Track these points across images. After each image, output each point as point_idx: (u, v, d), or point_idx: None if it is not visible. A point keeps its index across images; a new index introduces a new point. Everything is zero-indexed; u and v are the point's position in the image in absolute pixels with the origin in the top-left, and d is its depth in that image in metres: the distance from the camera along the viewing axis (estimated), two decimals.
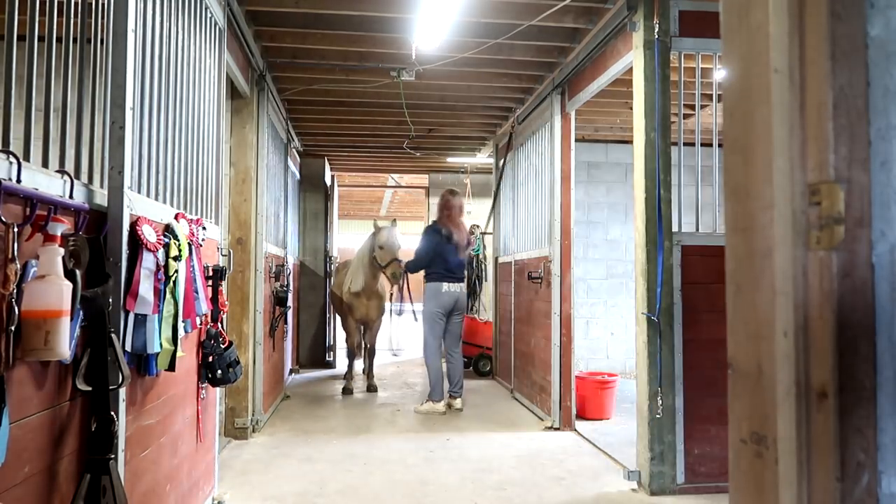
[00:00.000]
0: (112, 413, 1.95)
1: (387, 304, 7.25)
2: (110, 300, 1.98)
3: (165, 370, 2.42)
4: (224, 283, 3.23)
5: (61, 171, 1.87)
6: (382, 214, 18.33)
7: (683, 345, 3.70)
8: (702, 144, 4.03)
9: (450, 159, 8.95)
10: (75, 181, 1.89)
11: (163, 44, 2.60)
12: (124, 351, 2.09)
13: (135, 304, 2.15)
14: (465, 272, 6.33)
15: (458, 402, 5.97)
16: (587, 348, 7.88)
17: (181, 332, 2.48)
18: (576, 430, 5.18)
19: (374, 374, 7.03)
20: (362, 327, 6.94)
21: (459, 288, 6.07)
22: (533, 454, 4.50)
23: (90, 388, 1.90)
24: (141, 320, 2.20)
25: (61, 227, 1.69)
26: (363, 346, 7.08)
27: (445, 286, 5.96)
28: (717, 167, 3.36)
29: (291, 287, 6.56)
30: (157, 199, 2.52)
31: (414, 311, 6.73)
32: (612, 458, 4.36)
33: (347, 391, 6.66)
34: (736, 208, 1.00)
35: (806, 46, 0.87)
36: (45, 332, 1.56)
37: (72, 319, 1.70)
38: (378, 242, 6.60)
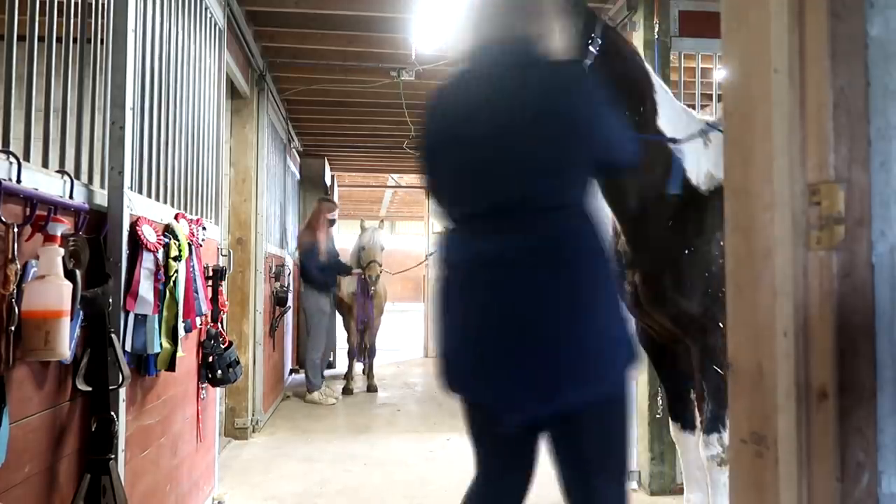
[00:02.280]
0: (112, 413, 1.95)
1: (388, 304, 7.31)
2: (110, 300, 1.98)
3: (165, 370, 2.41)
4: (224, 284, 3.22)
5: (61, 171, 1.87)
6: (382, 214, 18.33)
7: None
8: None
9: None
10: (75, 181, 1.89)
11: (163, 44, 2.60)
12: (124, 351, 2.09)
13: (135, 304, 2.15)
14: (331, 276, 6.51)
15: (308, 396, 6.27)
16: None
17: (181, 333, 2.48)
18: None
19: (374, 374, 7.03)
20: (362, 327, 6.96)
21: (304, 289, 6.46)
22: None
23: (90, 388, 1.90)
24: (141, 320, 2.20)
25: (61, 227, 1.68)
26: (363, 345, 7.09)
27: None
28: None
29: (291, 287, 6.56)
30: (157, 199, 2.52)
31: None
32: None
33: (347, 391, 6.68)
34: (736, 208, 1.00)
35: (806, 46, 0.87)
36: (45, 332, 1.56)
37: (72, 319, 1.70)
38: (361, 243, 6.90)
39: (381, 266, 6.78)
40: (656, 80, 2.37)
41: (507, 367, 1.55)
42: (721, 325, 2.22)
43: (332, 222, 6.62)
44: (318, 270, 6.37)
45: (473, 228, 1.65)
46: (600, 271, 1.58)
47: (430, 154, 1.73)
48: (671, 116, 2.33)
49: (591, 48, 2.14)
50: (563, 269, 1.55)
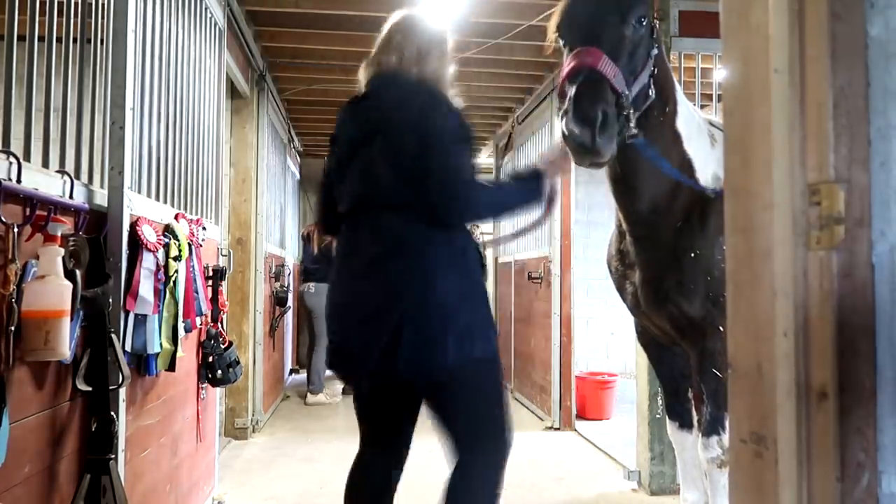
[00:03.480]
0: (112, 413, 1.95)
1: None
2: (110, 300, 1.98)
3: (165, 370, 2.41)
4: (224, 283, 3.22)
5: (61, 171, 1.87)
6: None
7: None
8: None
9: None
10: (75, 181, 1.89)
11: (163, 44, 2.60)
12: (124, 351, 2.09)
13: (135, 304, 2.15)
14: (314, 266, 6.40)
15: (312, 398, 6.23)
16: (587, 348, 7.87)
17: (181, 333, 2.48)
18: (576, 430, 5.18)
19: None
20: None
21: (306, 287, 6.39)
22: (533, 454, 4.50)
23: (90, 388, 1.90)
24: (141, 320, 2.20)
25: (61, 227, 1.68)
26: None
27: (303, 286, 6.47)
28: None
29: (291, 287, 6.56)
30: (157, 199, 2.52)
31: None
32: (612, 458, 4.36)
33: (347, 392, 6.67)
34: (736, 208, 1.00)
35: (806, 46, 0.87)
36: (45, 332, 1.56)
37: (72, 319, 1.70)
38: None
39: None
40: (674, 78, 2.32)
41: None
42: (721, 329, 2.19)
43: None
44: (310, 261, 6.36)
45: (346, 223, 1.96)
46: (433, 267, 1.80)
47: (330, 157, 2.07)
48: (686, 117, 2.28)
49: (654, 39, 2.06)
50: (391, 261, 1.82)
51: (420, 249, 1.81)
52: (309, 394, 6.23)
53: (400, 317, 1.77)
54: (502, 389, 1.99)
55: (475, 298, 1.87)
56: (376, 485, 2.05)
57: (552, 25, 2.10)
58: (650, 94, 2.06)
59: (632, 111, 1.95)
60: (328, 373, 6.67)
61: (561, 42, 2.08)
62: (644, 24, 1.99)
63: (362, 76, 2.07)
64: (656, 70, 2.09)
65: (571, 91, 1.88)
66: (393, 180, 1.82)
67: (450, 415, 1.94)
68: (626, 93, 1.92)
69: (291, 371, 7.57)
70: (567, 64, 1.96)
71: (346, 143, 1.98)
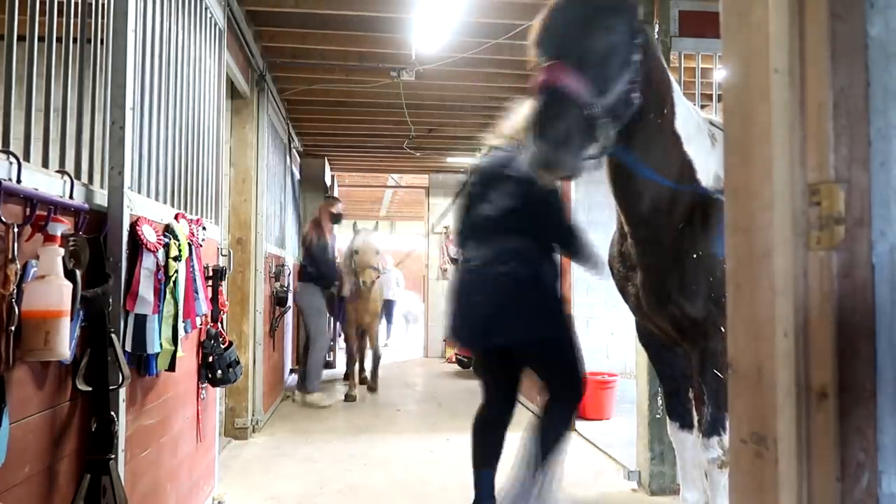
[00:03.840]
0: (112, 413, 1.95)
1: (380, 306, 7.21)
2: (110, 300, 1.98)
3: (165, 370, 2.41)
4: (224, 283, 3.22)
5: (61, 171, 1.87)
6: (382, 214, 18.32)
7: None
8: None
9: (450, 159, 8.94)
10: (75, 181, 1.89)
11: (163, 44, 2.60)
12: (124, 351, 2.09)
13: (135, 304, 2.15)
14: (313, 271, 6.32)
15: (306, 398, 6.05)
16: (587, 348, 7.83)
17: (181, 333, 2.48)
18: (576, 430, 5.18)
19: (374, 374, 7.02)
20: (360, 331, 6.88)
21: (299, 286, 6.32)
22: None
23: (90, 389, 1.90)
24: (141, 320, 2.20)
25: (61, 227, 1.68)
26: (362, 348, 7.05)
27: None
28: None
29: (291, 287, 6.55)
30: (157, 199, 2.52)
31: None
32: (612, 458, 4.36)
33: (350, 398, 6.40)
34: (736, 208, 1.00)
35: (806, 46, 0.87)
36: (45, 332, 1.56)
37: (72, 319, 1.70)
38: (354, 246, 6.69)
39: (377, 271, 6.64)
40: (672, 79, 2.29)
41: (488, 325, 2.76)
42: (722, 330, 2.18)
43: (335, 217, 6.54)
44: (328, 266, 6.33)
45: (471, 239, 2.86)
46: (539, 287, 2.76)
47: (461, 201, 2.97)
48: (685, 117, 2.26)
49: (638, 44, 2.03)
50: (518, 280, 2.70)
51: (515, 259, 2.70)
52: (304, 394, 6.10)
53: (500, 306, 2.68)
54: (575, 349, 2.90)
55: (554, 295, 2.86)
56: (496, 422, 3.05)
57: (530, 41, 2.09)
58: (632, 99, 2.02)
59: (609, 120, 1.94)
60: (325, 373, 6.66)
61: (539, 57, 2.07)
62: (619, 30, 1.96)
63: (496, 135, 3.01)
64: (647, 74, 2.06)
65: (535, 108, 1.87)
66: (504, 216, 2.72)
67: (539, 370, 2.89)
68: (598, 103, 1.89)
69: (291, 371, 7.57)
70: (537, 80, 1.94)
71: (479, 186, 2.86)
